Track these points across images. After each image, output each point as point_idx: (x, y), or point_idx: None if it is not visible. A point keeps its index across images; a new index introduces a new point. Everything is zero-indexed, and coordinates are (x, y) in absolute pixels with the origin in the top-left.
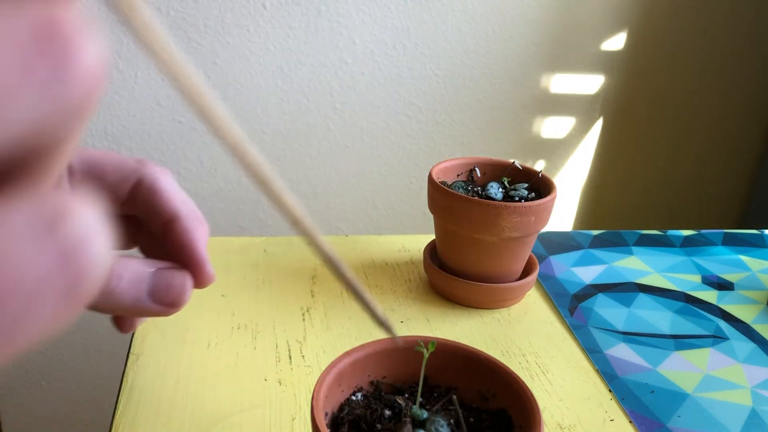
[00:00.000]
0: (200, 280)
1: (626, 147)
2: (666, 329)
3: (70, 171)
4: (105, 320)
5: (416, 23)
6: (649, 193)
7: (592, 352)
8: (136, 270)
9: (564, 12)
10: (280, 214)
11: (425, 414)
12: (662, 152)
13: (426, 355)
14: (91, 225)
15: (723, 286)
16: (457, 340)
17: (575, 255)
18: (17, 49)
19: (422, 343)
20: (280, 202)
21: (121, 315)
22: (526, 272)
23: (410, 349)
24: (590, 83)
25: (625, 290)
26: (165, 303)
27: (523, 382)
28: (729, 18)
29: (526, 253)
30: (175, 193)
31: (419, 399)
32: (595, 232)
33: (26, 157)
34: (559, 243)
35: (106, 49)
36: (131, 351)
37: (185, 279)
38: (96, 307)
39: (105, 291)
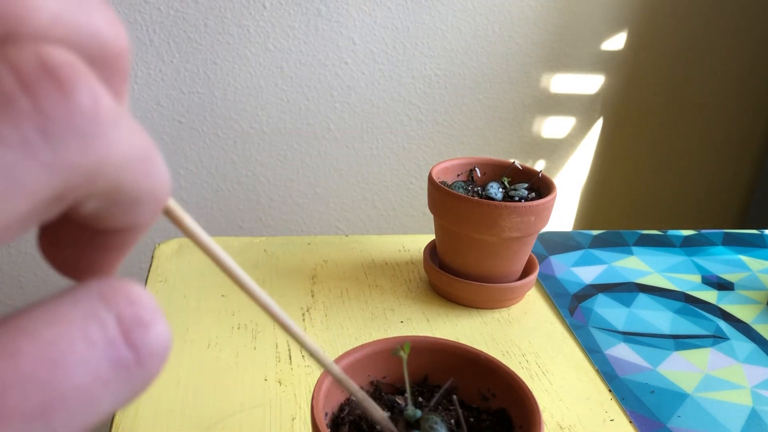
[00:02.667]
0: None
1: (626, 147)
2: (666, 329)
3: None
4: None
5: (416, 23)
6: (649, 193)
7: (592, 352)
8: None
9: (564, 12)
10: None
11: (419, 413)
12: (662, 152)
13: (404, 357)
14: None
15: (723, 286)
16: (457, 340)
17: (575, 255)
18: (107, 347)
19: (399, 347)
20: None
21: None
22: (526, 272)
23: (410, 349)
24: (590, 83)
25: (625, 290)
26: None
27: (523, 382)
28: (729, 18)
29: (526, 253)
30: None
31: (410, 398)
32: (595, 232)
33: None
34: (559, 243)
35: (169, 330)
36: None
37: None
38: None
39: None
